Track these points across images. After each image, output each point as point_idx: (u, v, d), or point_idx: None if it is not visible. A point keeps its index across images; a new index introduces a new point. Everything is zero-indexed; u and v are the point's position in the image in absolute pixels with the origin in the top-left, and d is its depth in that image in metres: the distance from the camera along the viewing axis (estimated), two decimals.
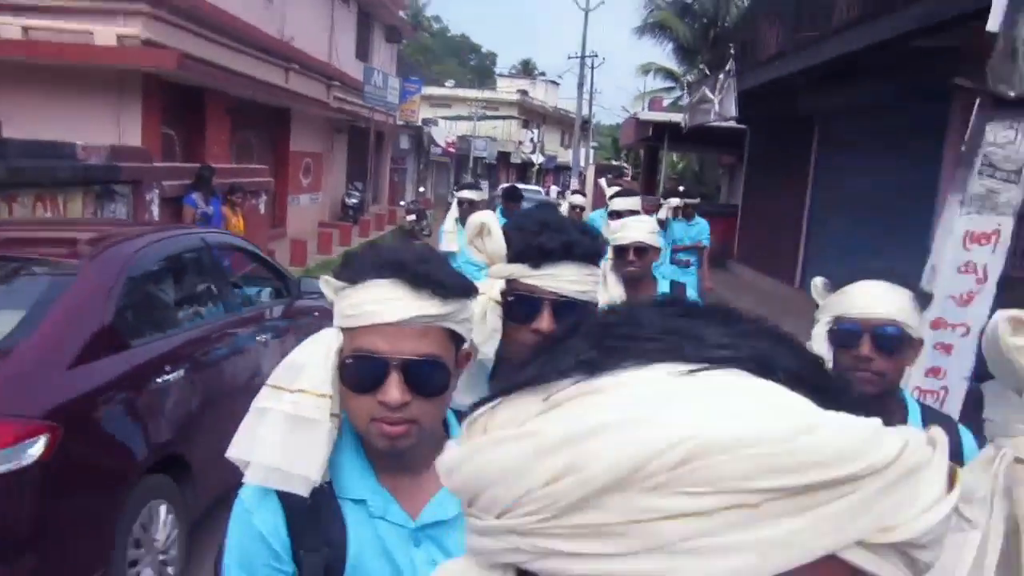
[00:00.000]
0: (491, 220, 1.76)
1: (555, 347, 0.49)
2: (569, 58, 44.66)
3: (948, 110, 7.66)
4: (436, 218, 19.39)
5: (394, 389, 1.19)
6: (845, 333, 1.74)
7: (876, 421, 0.43)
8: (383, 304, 1.23)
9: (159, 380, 3.49)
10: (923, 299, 1.81)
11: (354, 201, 21.58)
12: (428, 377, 1.23)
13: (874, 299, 1.72)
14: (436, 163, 35.52)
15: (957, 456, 1.73)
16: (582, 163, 35.53)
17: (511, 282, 1.68)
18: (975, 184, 3.78)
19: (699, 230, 7.68)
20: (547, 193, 36.26)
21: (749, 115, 14.25)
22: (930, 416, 1.88)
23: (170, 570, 3.51)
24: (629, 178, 36.73)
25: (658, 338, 0.46)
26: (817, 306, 1.88)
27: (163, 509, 3.41)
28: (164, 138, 11.68)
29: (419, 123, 30.34)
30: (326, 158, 20.68)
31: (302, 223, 17.47)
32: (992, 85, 3.75)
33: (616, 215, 5.12)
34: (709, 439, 0.39)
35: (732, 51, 12.37)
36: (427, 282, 1.23)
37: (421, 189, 29.35)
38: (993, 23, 3.83)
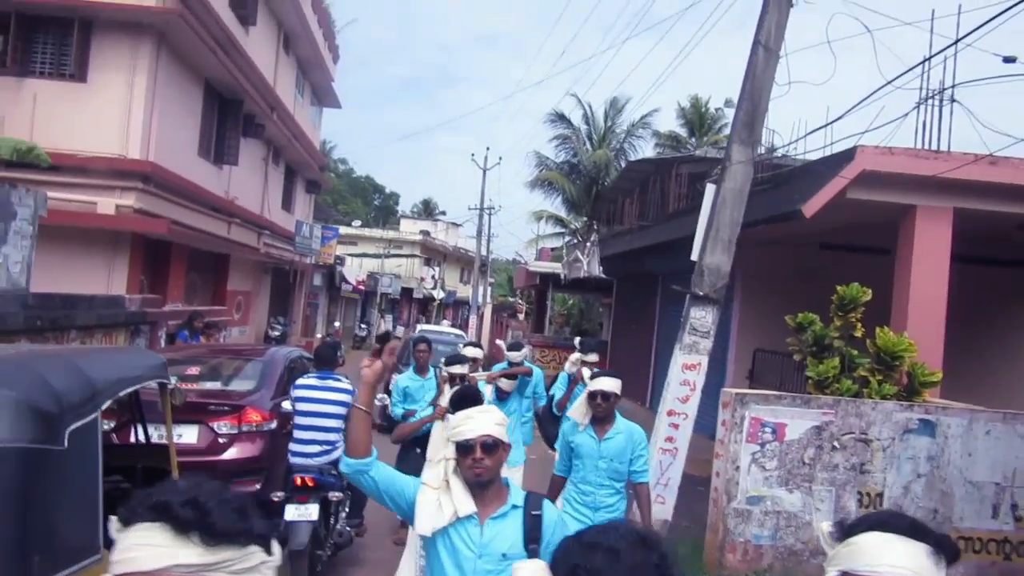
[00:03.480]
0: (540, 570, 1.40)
1: None
2: (469, 209, 48.74)
3: None
4: (347, 351, 22.10)
5: None
6: None
7: None
8: (141, 550, 1.16)
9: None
10: (947, 554, 1.51)
11: (276, 333, 24.13)
12: None
13: (891, 557, 1.48)
14: (345, 298, 38.34)
15: None
16: (480, 300, 38.91)
17: None
18: (686, 338, 7.11)
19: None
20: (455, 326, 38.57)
21: (614, 270, 17.98)
22: None
23: None
24: (523, 315, 40.34)
25: None
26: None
27: None
28: (140, 284, 14.34)
29: (332, 262, 33.35)
30: (254, 295, 23.37)
31: None
32: (694, 287, 7.16)
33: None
34: None
35: (595, 226, 16.06)
36: (193, 527, 1.16)
37: (336, 323, 32.02)
38: (694, 255, 7.29)
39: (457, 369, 6.10)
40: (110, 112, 13.61)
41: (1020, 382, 9.94)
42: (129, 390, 3.73)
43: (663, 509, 7.02)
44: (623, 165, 29.66)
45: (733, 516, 6.61)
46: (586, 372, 6.89)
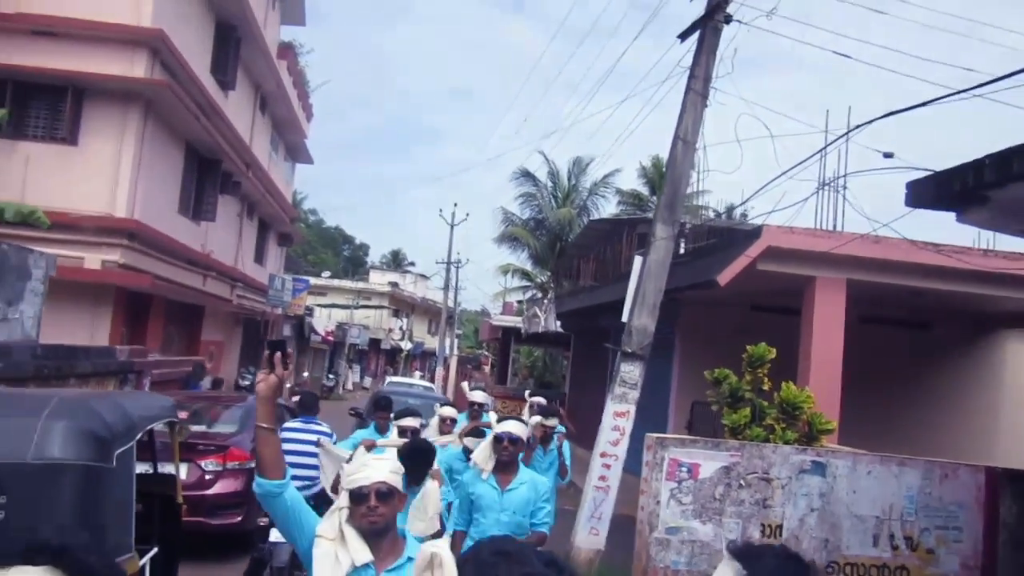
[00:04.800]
0: (444, 551, 1.70)
1: None
2: (437, 263, 49.87)
3: None
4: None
5: None
6: None
7: None
8: None
9: None
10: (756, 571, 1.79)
11: (247, 383, 24.86)
12: None
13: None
14: (314, 349, 39.09)
15: None
16: (447, 352, 39.83)
17: None
18: (616, 389, 8.20)
19: (551, 461, 7.38)
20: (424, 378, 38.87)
21: (571, 325, 19.11)
22: None
23: None
24: (488, 366, 41.26)
25: None
26: None
27: None
28: (121, 335, 15.18)
29: (302, 313, 34.21)
30: (226, 345, 24.17)
31: None
32: (623, 346, 8.28)
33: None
34: None
35: (554, 284, 17.23)
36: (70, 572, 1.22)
37: (305, 374, 32.74)
38: (624, 316, 8.43)
39: (408, 422, 6.19)
40: (99, 173, 14.58)
41: (915, 428, 11.18)
42: (153, 424, 4.72)
43: (597, 540, 8.02)
44: (585, 223, 31.14)
45: (655, 544, 7.63)
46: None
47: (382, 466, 2.84)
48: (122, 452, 4.12)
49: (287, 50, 26.63)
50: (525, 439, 4.86)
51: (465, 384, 16.59)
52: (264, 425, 2.89)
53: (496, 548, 1.45)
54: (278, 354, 2.89)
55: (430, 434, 7.05)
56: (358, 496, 2.75)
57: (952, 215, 6.12)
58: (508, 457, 4.70)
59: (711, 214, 23.48)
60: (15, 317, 7.55)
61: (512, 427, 4.76)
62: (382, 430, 7.43)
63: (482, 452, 4.84)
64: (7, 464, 3.70)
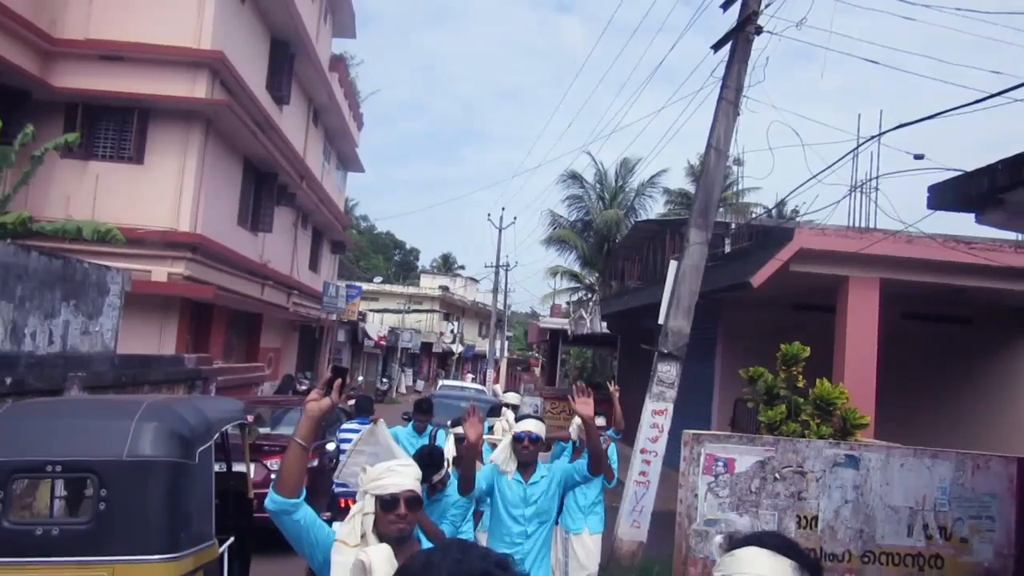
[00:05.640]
0: (375, 555, 1.97)
1: None
2: (486, 266, 50.45)
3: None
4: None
5: None
6: None
7: None
8: None
9: None
10: (810, 568, 1.83)
11: (304, 387, 25.70)
12: None
13: (757, 566, 1.81)
14: (367, 353, 39.98)
15: None
16: (497, 354, 40.36)
17: None
18: (654, 388, 8.57)
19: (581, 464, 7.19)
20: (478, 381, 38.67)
21: (618, 326, 19.45)
22: None
23: None
24: (538, 368, 41.69)
25: None
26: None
27: None
28: (186, 343, 15.99)
29: (356, 319, 35.07)
30: (283, 351, 25.02)
31: None
32: (660, 347, 8.65)
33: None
34: None
35: (596, 289, 17.59)
36: None
37: (360, 378, 33.58)
38: (661, 318, 8.80)
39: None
40: (163, 190, 15.40)
41: (957, 423, 11.31)
42: (228, 426, 5.27)
43: (639, 532, 8.39)
44: (632, 224, 31.33)
45: (694, 536, 7.98)
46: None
47: (409, 472, 2.85)
48: (203, 450, 4.66)
49: (338, 62, 27.47)
50: (543, 437, 4.71)
51: (497, 386, 16.95)
52: (301, 441, 2.83)
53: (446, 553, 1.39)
54: (338, 381, 2.92)
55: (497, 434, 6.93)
56: (389, 503, 2.74)
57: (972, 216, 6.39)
58: (528, 457, 4.63)
59: (760, 210, 23.60)
60: (96, 330, 8.22)
61: (531, 426, 4.67)
62: (420, 431, 7.67)
63: (502, 453, 4.75)
64: (107, 461, 4.26)
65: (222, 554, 5.07)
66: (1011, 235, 9.20)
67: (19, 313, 6.50)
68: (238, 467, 6.43)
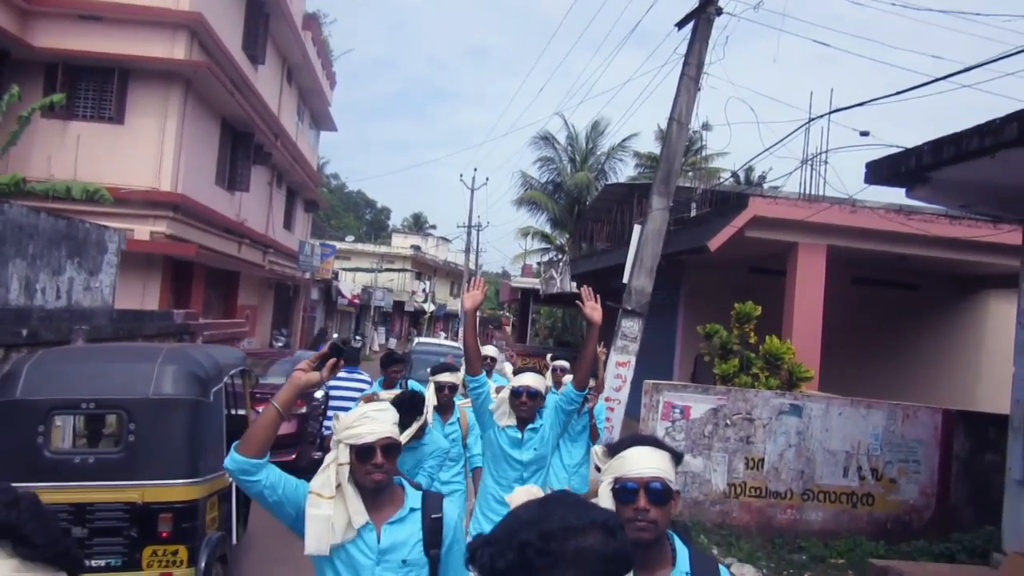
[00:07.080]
0: None
1: None
2: (458, 226, 50.79)
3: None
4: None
5: None
6: (625, 490, 1.99)
7: None
8: None
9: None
10: (676, 458, 2.11)
11: (280, 344, 26.24)
12: None
13: (645, 460, 2.01)
14: (341, 311, 40.46)
15: None
16: None
17: None
18: (618, 342, 9.29)
19: (584, 425, 6.76)
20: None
21: (586, 286, 20.15)
22: (696, 557, 2.10)
23: None
24: (509, 327, 42.43)
25: None
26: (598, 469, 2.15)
27: None
28: (168, 300, 16.45)
29: (330, 278, 35.50)
30: (259, 309, 25.48)
31: None
32: (624, 304, 9.35)
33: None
34: None
35: (566, 250, 18.27)
36: (9, 535, 1.22)
37: (334, 335, 34.09)
38: (625, 278, 9.49)
39: (446, 378, 5.78)
40: (144, 150, 15.72)
41: (899, 380, 12.23)
42: (235, 370, 5.88)
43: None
44: (602, 186, 31.93)
45: None
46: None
47: (385, 418, 2.67)
48: (216, 390, 5.28)
49: (311, 21, 27.54)
50: (543, 392, 4.49)
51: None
52: (278, 406, 2.65)
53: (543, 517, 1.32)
54: (333, 360, 2.77)
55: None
56: (363, 452, 2.57)
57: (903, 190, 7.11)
58: (527, 413, 4.41)
59: (728, 176, 24.33)
60: (96, 286, 8.73)
61: (530, 380, 4.42)
62: (390, 385, 7.33)
63: (500, 407, 4.51)
64: (135, 399, 4.87)
65: (231, 484, 5.70)
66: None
67: (31, 270, 7.00)
68: (240, 412, 7.06)
